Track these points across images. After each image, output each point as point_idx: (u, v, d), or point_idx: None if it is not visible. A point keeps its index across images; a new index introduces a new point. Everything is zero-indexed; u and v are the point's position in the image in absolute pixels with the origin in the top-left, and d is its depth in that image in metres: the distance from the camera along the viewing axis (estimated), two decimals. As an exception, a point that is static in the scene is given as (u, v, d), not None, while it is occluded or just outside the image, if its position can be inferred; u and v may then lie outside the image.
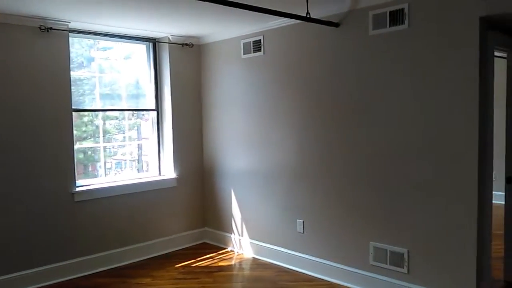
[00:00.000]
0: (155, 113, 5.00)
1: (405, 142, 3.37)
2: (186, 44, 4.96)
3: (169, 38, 4.83)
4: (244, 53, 4.60)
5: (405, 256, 3.40)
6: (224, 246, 5.01)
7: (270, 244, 4.50)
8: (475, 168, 3.01)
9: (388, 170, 3.48)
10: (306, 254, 4.15)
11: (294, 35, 4.11)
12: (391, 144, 3.45)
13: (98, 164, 4.74)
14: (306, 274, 4.11)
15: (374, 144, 3.57)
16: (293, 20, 3.71)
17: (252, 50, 4.50)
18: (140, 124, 5.13)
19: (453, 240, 3.14)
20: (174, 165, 4.96)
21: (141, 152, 5.14)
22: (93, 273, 4.30)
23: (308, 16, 3.42)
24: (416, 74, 3.26)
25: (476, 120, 2.99)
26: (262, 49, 4.41)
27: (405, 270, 3.42)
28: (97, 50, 4.77)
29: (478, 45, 2.95)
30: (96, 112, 4.64)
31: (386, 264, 3.53)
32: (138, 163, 5.14)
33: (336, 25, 3.70)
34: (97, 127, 4.69)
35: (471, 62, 2.97)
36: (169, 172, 4.98)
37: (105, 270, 4.38)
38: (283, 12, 3.34)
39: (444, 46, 3.10)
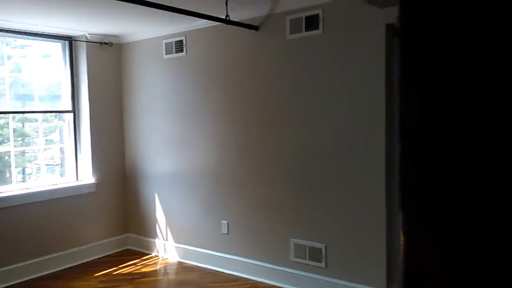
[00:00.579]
0: (71, 115, 4.76)
1: (320, 142, 3.52)
2: (105, 43, 4.78)
3: (86, 37, 4.62)
4: (166, 53, 4.53)
5: (323, 251, 3.55)
6: (148, 252, 4.89)
7: (196, 246, 4.47)
8: (383, 167, 3.22)
9: (306, 170, 3.61)
10: (231, 254, 4.18)
11: (217, 37, 4.13)
12: (308, 144, 3.59)
13: (16, 170, 4.42)
14: (231, 274, 4.14)
15: (291, 145, 3.68)
16: (215, 21, 3.73)
17: (174, 50, 4.45)
18: (62, 127, 4.84)
19: (365, 234, 3.33)
20: (92, 169, 4.75)
21: (64, 156, 4.86)
22: (6, 286, 3.99)
23: (228, 18, 3.45)
24: (330, 76, 3.42)
25: (383, 121, 3.20)
26: (184, 50, 4.37)
27: (323, 264, 3.56)
28: (14, 48, 4.44)
29: (385, 50, 3.16)
30: (13, 114, 4.33)
31: (306, 259, 3.66)
32: (61, 167, 4.86)
33: (255, 28, 3.77)
34: (14, 129, 4.37)
35: (379, 66, 3.18)
36: (87, 177, 4.76)
37: (20, 282, 4.09)
38: (202, 14, 3.35)
39: (355, 50, 3.28)
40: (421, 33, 0.84)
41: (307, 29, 3.48)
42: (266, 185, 3.88)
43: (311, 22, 3.45)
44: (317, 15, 3.41)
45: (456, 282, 0.76)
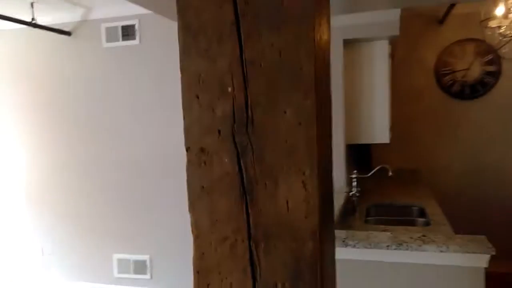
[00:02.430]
0: None
1: (140, 156, 3.49)
2: None
3: None
4: (-43, 55, 3.88)
5: (148, 262, 3.53)
6: None
7: (12, 271, 3.93)
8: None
9: (128, 184, 3.54)
10: (50, 277, 3.81)
11: (25, 40, 3.71)
12: (126, 159, 3.52)
13: None
14: (48, 300, 3.78)
15: (109, 161, 3.56)
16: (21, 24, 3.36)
17: (-32, 52, 3.84)
18: None
19: (188, 242, 3.43)
20: None
21: None
22: None
23: (34, 22, 3.16)
24: (147, 88, 3.43)
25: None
26: (-19, 52, 3.81)
27: (148, 276, 3.54)
28: None
29: (201, 65, 3.32)
30: None
31: (131, 273, 3.58)
32: None
33: (68, 33, 3.54)
34: None
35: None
36: None
37: None
38: (4, 16, 2.99)
39: (172, 61, 3.36)
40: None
41: (124, 38, 3.42)
42: (80, 202, 3.66)
43: (128, 32, 3.40)
44: (134, 26, 3.38)
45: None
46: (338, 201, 2.52)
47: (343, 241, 1.69)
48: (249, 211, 0.74)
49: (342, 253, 1.72)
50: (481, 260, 1.61)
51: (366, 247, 1.68)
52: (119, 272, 3.61)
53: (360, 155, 4.07)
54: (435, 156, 4.10)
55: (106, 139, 3.57)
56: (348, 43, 2.94)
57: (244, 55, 0.76)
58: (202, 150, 0.77)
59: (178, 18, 0.79)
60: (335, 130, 2.96)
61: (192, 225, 0.80)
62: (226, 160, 0.75)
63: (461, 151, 4.03)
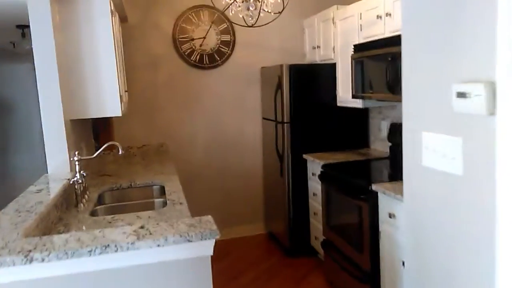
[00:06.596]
0: None
1: None
2: None
3: None
4: None
5: None
6: None
7: None
8: None
9: None
10: None
11: None
12: None
13: None
14: None
15: None
16: None
17: None
18: None
19: None
20: None
21: None
22: None
23: None
24: None
25: None
26: None
27: None
28: None
29: None
30: None
31: None
32: None
33: None
34: None
35: None
36: None
37: None
38: None
39: None
40: None
41: None
42: None
43: None
44: None
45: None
46: (53, 191, 1.97)
47: (26, 256, 1.19)
48: None
49: (33, 273, 1.22)
50: (207, 248, 1.38)
51: (61, 259, 1.22)
52: None
53: (97, 133, 3.54)
54: (180, 127, 3.94)
55: None
56: (60, -4, 2.35)
57: None
58: None
59: None
60: (49, 104, 2.35)
61: None
62: None
63: (204, 120, 3.97)
